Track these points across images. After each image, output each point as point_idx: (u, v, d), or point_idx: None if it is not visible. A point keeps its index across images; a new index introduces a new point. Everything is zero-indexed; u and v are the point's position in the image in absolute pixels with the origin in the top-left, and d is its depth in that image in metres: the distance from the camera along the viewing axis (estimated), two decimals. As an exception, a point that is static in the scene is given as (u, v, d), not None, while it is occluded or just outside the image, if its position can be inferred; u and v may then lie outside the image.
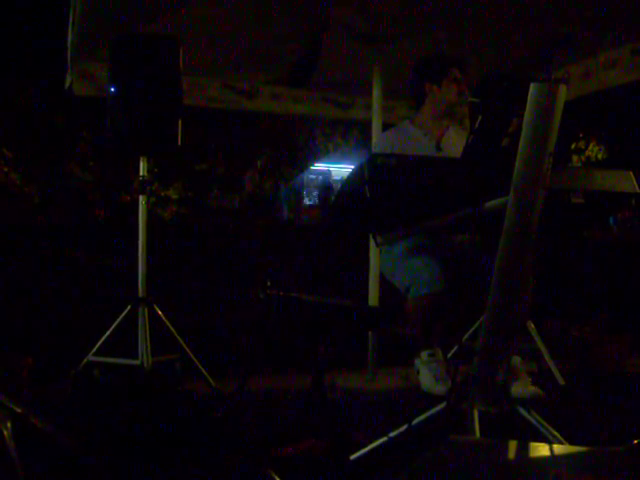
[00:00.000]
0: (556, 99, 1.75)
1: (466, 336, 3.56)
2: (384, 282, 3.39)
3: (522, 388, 2.66)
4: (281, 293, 2.42)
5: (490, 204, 1.90)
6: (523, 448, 1.43)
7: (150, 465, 2.18)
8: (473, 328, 3.57)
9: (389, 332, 3.69)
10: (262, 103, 4.66)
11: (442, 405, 2.15)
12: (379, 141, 3.40)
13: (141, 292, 3.41)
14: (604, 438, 2.41)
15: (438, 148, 3.06)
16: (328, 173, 14.04)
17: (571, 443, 1.92)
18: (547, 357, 3.46)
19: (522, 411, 2.04)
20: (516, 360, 2.76)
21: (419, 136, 3.09)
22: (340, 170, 13.84)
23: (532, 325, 3.49)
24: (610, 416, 2.78)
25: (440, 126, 3.11)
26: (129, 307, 3.35)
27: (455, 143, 3.04)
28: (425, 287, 2.72)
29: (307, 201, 12.50)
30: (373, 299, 3.72)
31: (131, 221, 3.67)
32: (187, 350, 3.36)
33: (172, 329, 3.37)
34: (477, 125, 1.93)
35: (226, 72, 4.41)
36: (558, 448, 1.50)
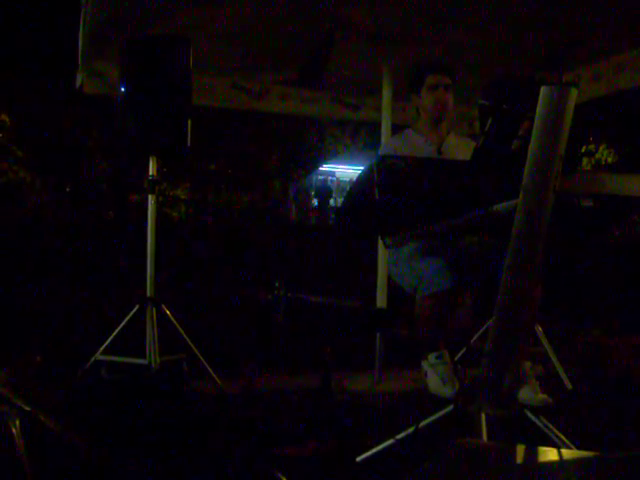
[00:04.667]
0: (567, 102, 1.74)
1: (474, 339, 3.56)
2: (392, 284, 3.38)
3: (531, 395, 2.64)
4: (289, 294, 2.43)
5: (500, 207, 1.89)
6: (531, 452, 1.43)
7: (157, 463, 2.18)
8: (481, 331, 3.56)
9: (396, 334, 3.69)
10: (271, 103, 4.66)
11: (449, 408, 2.15)
12: (384, 148, 3.43)
13: (149, 292, 3.42)
14: (612, 443, 2.40)
15: (439, 153, 3.08)
16: (330, 175, 14.05)
17: (579, 448, 1.91)
18: (555, 361, 3.45)
19: (530, 415, 2.03)
20: (526, 365, 2.74)
21: (420, 142, 3.13)
22: (348, 172, 13.84)
23: (540, 329, 3.48)
24: (619, 421, 2.77)
25: (439, 132, 3.14)
26: (137, 306, 3.37)
27: (455, 148, 3.08)
28: (433, 286, 2.71)
29: (316, 202, 12.49)
30: (381, 301, 3.71)
31: (140, 221, 3.67)
32: (194, 350, 3.37)
33: (180, 329, 3.38)
34: (487, 128, 1.93)
35: (236, 73, 4.41)
36: (566, 453, 1.50)
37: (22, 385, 2.94)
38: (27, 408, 1.71)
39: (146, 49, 3.34)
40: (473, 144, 3.02)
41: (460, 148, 3.08)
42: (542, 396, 2.65)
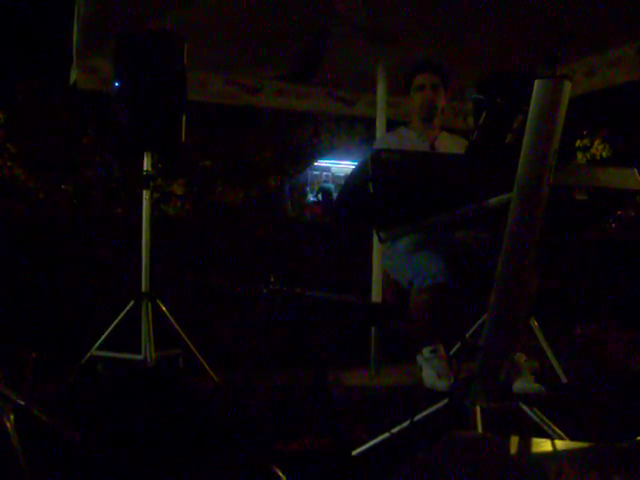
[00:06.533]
0: (560, 96, 1.74)
1: (469, 333, 3.56)
2: (387, 278, 3.39)
3: (525, 384, 2.66)
4: (284, 289, 2.43)
5: (494, 201, 1.90)
6: (525, 444, 1.43)
7: (152, 460, 2.18)
8: (476, 325, 3.57)
9: (392, 328, 3.70)
10: (266, 99, 4.66)
11: (444, 401, 2.15)
12: (378, 144, 3.45)
13: (144, 287, 3.41)
14: (606, 435, 2.41)
15: (432, 149, 3.12)
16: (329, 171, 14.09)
17: (573, 440, 1.92)
18: (550, 355, 3.46)
19: (524, 408, 2.04)
20: (519, 357, 2.76)
21: (414, 138, 3.19)
22: (344, 167, 13.86)
23: (535, 323, 3.49)
24: (613, 413, 2.78)
25: (431, 129, 3.19)
26: (132, 302, 3.36)
27: (448, 145, 3.14)
28: (429, 279, 2.72)
29: (311, 197, 12.51)
30: (376, 295, 3.72)
31: (135, 216, 3.67)
32: (190, 345, 3.37)
33: (175, 324, 3.37)
34: (481, 121, 1.93)
35: (230, 68, 4.40)
36: (560, 444, 1.50)
37: (17, 380, 2.94)
38: (22, 402, 1.71)
39: (140, 44, 3.33)
40: (465, 142, 3.06)
41: (452, 145, 3.13)
42: (536, 385, 2.67)
